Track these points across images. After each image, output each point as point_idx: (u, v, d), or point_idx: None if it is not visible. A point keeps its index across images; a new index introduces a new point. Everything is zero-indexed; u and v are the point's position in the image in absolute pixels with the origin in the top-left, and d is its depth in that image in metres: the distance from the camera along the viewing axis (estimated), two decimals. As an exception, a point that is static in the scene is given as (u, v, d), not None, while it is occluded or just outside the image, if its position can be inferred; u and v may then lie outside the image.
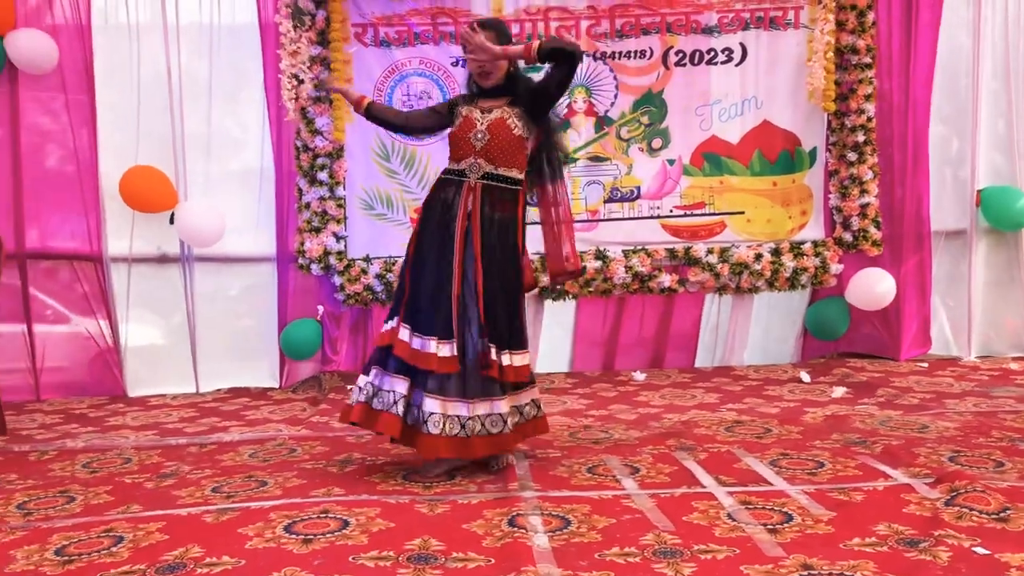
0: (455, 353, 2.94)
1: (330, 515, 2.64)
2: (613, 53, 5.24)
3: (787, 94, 5.27)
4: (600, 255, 5.21)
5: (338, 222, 5.15)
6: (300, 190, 5.15)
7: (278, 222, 5.23)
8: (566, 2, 5.20)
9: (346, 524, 2.55)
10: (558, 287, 5.08)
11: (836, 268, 5.32)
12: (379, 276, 5.14)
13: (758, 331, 5.57)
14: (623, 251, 5.24)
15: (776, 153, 5.31)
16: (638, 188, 5.30)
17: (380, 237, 5.22)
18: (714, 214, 5.33)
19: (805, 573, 2.10)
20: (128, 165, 5.03)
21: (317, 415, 4.37)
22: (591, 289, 5.24)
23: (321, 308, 5.22)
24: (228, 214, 5.15)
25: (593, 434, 3.69)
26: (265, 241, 5.28)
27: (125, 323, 5.21)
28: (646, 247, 5.25)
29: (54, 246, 5.15)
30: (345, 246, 5.19)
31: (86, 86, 5.07)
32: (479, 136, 3.03)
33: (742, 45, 5.24)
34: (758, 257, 5.25)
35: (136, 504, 2.87)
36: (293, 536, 2.46)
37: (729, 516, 2.54)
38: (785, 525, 2.45)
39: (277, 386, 5.26)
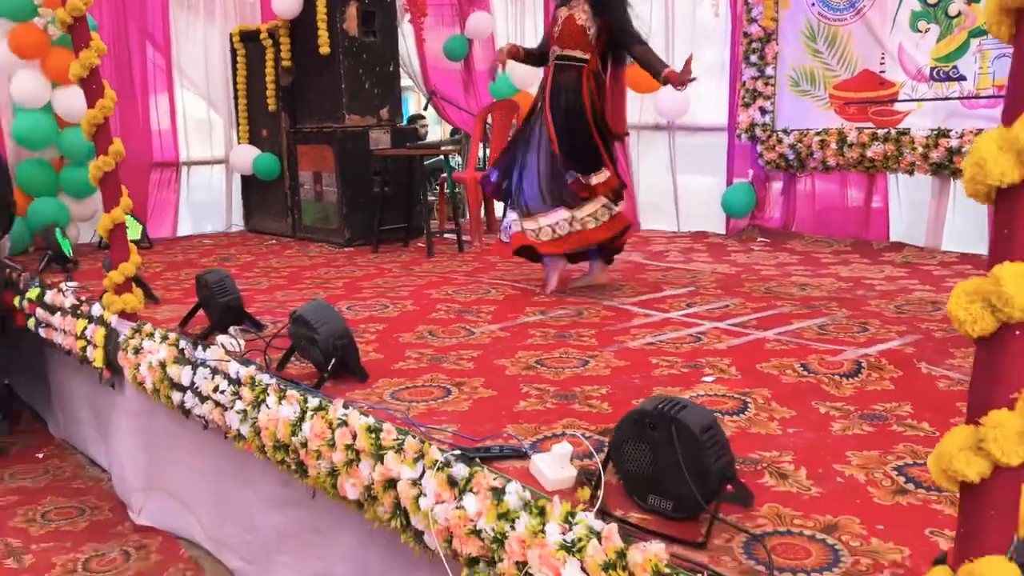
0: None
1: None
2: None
3: None
4: (1002, 132, 5.05)
5: (766, 98, 6.11)
6: (741, 71, 6.27)
7: (730, 98, 6.44)
8: None
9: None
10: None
11: None
12: (791, 146, 5.97)
13: None
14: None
15: None
16: (1061, 58, 4.87)
17: (802, 111, 5.99)
18: None
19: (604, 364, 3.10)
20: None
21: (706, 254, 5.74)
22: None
23: (751, 172, 6.33)
24: (698, 94, 6.56)
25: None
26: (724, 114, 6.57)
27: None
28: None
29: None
30: (772, 120, 6.13)
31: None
32: (556, 29, 4.15)
33: None
34: None
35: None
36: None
37: (699, 335, 3.41)
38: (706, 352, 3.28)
39: (724, 232, 6.58)
